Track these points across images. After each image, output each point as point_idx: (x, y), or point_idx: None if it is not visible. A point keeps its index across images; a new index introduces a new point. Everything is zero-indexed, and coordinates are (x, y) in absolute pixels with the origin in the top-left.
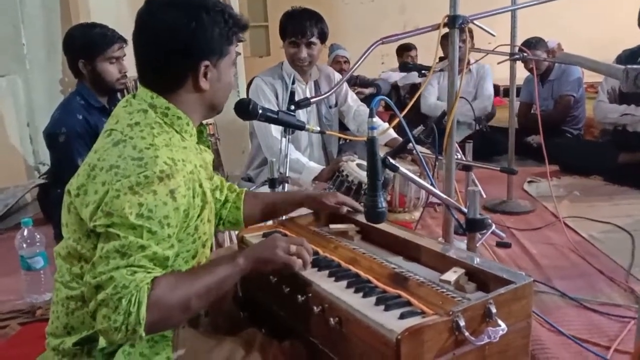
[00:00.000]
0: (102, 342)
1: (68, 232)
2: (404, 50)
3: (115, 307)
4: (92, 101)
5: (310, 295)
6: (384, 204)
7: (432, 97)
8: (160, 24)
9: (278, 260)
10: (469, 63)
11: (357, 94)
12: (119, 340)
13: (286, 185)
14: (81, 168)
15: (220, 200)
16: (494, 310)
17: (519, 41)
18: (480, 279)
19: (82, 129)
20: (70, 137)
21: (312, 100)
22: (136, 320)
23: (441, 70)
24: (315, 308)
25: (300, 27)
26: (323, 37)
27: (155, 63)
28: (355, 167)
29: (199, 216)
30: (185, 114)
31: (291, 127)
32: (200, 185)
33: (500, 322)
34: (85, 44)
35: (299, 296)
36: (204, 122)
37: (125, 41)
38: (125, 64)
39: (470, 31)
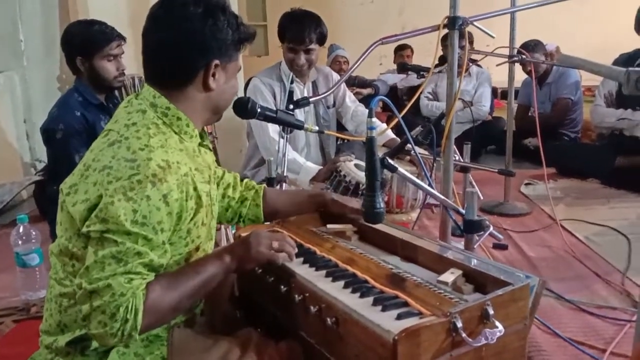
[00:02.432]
0: (95, 342)
1: (61, 230)
2: (398, 50)
3: (112, 315)
4: (90, 98)
5: (307, 295)
6: (382, 205)
7: (427, 99)
8: (179, 18)
9: (262, 258)
10: (468, 67)
11: (355, 94)
12: (113, 344)
13: (284, 185)
14: (77, 167)
15: (234, 198)
16: (491, 311)
17: (517, 44)
18: (478, 280)
19: (80, 125)
20: (67, 134)
21: (311, 99)
22: (132, 327)
23: (440, 72)
24: (312, 308)
25: (300, 34)
26: (322, 41)
27: (169, 56)
28: (352, 167)
29: (192, 219)
30: (185, 116)
31: (290, 126)
32: (195, 189)
33: (497, 323)
34: (83, 41)
35: (296, 296)
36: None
37: (123, 39)
38: (123, 62)
39: (470, 35)
